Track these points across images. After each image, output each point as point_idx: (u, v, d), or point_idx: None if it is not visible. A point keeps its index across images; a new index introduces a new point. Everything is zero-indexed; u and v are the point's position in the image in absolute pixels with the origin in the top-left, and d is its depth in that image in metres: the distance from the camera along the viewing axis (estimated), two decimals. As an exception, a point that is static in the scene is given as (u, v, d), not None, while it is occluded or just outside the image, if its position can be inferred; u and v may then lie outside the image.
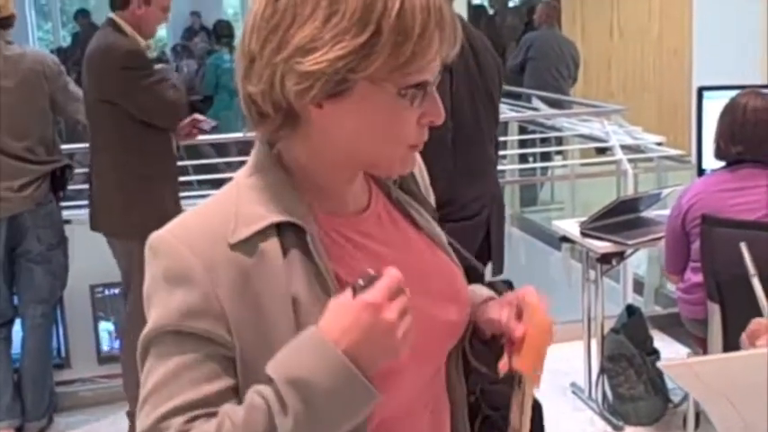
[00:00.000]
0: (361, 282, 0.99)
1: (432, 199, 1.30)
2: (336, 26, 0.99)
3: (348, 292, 0.99)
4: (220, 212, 1.07)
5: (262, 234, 1.05)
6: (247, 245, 1.04)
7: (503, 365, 1.14)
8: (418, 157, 1.26)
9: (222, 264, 1.02)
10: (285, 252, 1.05)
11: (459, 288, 1.21)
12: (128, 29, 3.44)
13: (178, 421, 1.01)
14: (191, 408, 1.01)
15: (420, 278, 1.14)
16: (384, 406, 1.02)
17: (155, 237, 1.06)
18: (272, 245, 1.05)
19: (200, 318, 1.02)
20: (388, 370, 1.03)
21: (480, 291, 1.28)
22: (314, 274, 1.05)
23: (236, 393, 1.03)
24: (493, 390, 1.30)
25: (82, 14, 11.86)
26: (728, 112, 3.11)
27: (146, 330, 1.05)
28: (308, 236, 1.06)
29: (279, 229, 1.06)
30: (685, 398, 3.55)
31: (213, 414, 1.02)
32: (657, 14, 8.81)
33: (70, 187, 3.95)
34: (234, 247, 1.03)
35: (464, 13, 9.33)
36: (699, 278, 3.08)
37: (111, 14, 3.49)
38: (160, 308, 1.04)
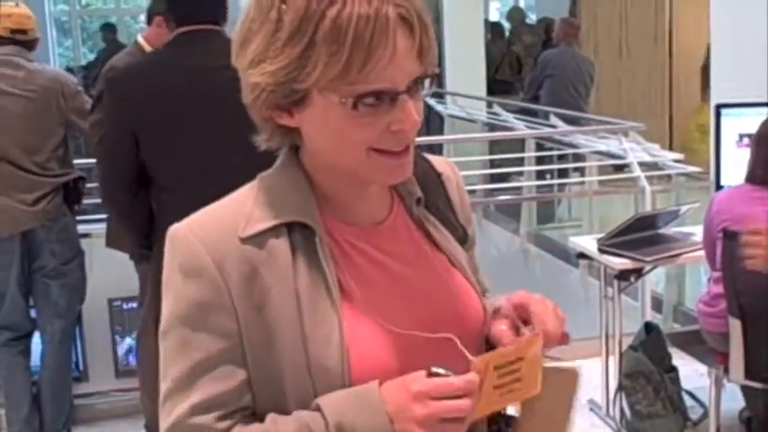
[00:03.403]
0: (440, 370, 1.02)
1: (471, 224, 1.30)
2: (279, 39, 1.03)
3: (423, 372, 1.03)
4: (236, 209, 1.11)
5: (272, 231, 1.08)
6: (257, 240, 1.08)
7: None
8: (460, 179, 1.29)
9: (232, 258, 1.07)
10: (293, 251, 1.08)
11: (471, 310, 1.19)
12: (149, 49, 3.47)
13: (208, 418, 1.05)
14: (213, 406, 1.06)
15: (428, 296, 1.16)
16: None
17: (173, 229, 1.10)
18: (281, 242, 1.08)
19: (213, 311, 1.06)
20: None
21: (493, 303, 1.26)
22: (318, 274, 1.08)
23: (250, 386, 1.08)
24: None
25: (108, 29, 11.84)
26: (765, 139, 3.07)
27: (162, 319, 1.10)
28: (316, 237, 1.09)
29: (289, 228, 1.09)
30: (704, 416, 3.52)
31: (241, 412, 1.07)
32: (666, 34, 8.81)
33: (89, 201, 3.98)
34: (244, 241, 1.07)
35: (481, 31, 9.36)
36: (720, 288, 3.07)
37: (139, 35, 3.55)
38: (174, 297, 1.09)
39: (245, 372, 1.08)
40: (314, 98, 1.05)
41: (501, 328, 1.14)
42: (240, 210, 1.10)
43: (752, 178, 3.10)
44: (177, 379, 1.07)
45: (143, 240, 2.86)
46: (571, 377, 1.17)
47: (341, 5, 1.01)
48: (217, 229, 1.09)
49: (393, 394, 1.02)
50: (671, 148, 6.54)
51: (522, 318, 1.16)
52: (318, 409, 1.03)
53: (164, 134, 2.65)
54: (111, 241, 3.55)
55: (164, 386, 1.08)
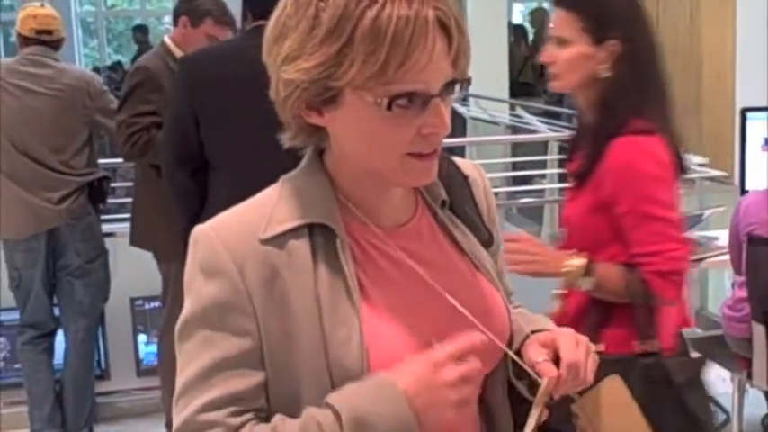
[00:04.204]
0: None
1: (496, 227, 1.29)
2: (316, 36, 1.03)
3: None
4: (258, 211, 1.11)
5: (293, 233, 1.08)
6: (278, 242, 1.08)
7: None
8: (487, 183, 1.29)
9: (252, 259, 1.07)
10: (314, 252, 1.08)
11: (496, 313, 1.19)
12: (176, 50, 3.49)
13: (219, 414, 1.05)
14: (227, 403, 1.05)
15: (452, 299, 1.15)
16: None
17: (197, 229, 1.11)
18: (302, 244, 1.08)
19: (232, 311, 1.06)
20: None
21: (529, 322, 1.25)
22: (339, 277, 1.08)
23: (266, 387, 1.08)
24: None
25: (140, 30, 11.85)
26: None
27: (181, 318, 1.10)
28: (337, 239, 1.09)
29: (311, 230, 1.09)
30: (726, 422, 3.49)
31: (255, 412, 1.07)
32: (698, 37, 8.74)
33: (113, 200, 4.00)
34: (264, 242, 1.07)
35: (504, 33, 9.34)
36: (745, 293, 3.06)
37: (166, 36, 3.59)
38: (195, 297, 1.08)
39: (263, 374, 1.07)
40: (346, 98, 1.04)
41: (540, 360, 1.14)
42: (262, 211, 1.11)
43: None
44: (193, 376, 1.07)
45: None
46: (616, 385, 1.20)
47: (380, 6, 1.01)
48: (238, 230, 1.09)
49: (406, 373, 1.02)
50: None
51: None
52: (328, 406, 1.03)
53: (223, 119, 2.79)
54: (136, 239, 3.57)
55: (179, 383, 1.08)
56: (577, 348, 1.13)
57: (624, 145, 1.95)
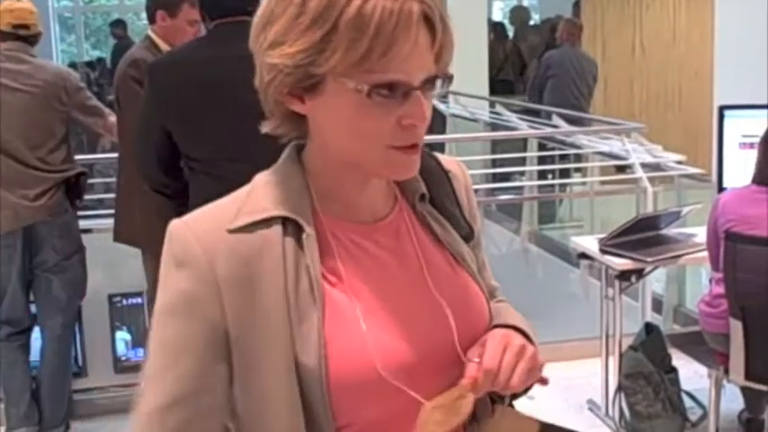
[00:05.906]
0: None
1: (477, 222, 1.29)
2: (301, 23, 1.04)
3: None
4: (230, 204, 1.12)
5: (264, 224, 1.09)
6: (247, 232, 1.08)
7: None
8: (468, 179, 1.29)
9: (222, 250, 1.07)
10: (285, 246, 1.08)
11: (476, 307, 1.19)
12: (161, 44, 3.47)
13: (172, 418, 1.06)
14: (185, 399, 1.07)
15: (431, 293, 1.15)
16: (369, 414, 1.08)
17: (172, 224, 1.12)
18: (274, 235, 1.08)
19: (198, 302, 1.07)
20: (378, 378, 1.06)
21: (501, 317, 1.24)
22: (304, 272, 1.08)
23: (230, 378, 1.08)
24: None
25: (118, 25, 11.71)
26: None
27: (155, 307, 1.11)
28: (303, 233, 1.09)
29: (285, 224, 1.09)
30: (703, 417, 3.52)
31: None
32: (681, 35, 8.81)
33: (90, 197, 3.97)
34: (232, 232, 1.08)
35: (484, 30, 9.36)
36: (722, 289, 3.08)
37: (149, 30, 3.56)
38: (164, 287, 1.10)
39: (225, 364, 1.07)
40: (328, 85, 1.05)
41: (474, 360, 1.11)
42: (234, 205, 1.11)
43: (759, 179, 3.10)
44: (156, 368, 1.08)
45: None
46: (530, 428, 1.17)
47: None
48: (210, 223, 1.10)
49: None
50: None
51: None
52: None
53: (196, 124, 2.75)
54: (119, 236, 3.54)
55: (145, 368, 1.09)
56: (503, 353, 1.10)
57: None
